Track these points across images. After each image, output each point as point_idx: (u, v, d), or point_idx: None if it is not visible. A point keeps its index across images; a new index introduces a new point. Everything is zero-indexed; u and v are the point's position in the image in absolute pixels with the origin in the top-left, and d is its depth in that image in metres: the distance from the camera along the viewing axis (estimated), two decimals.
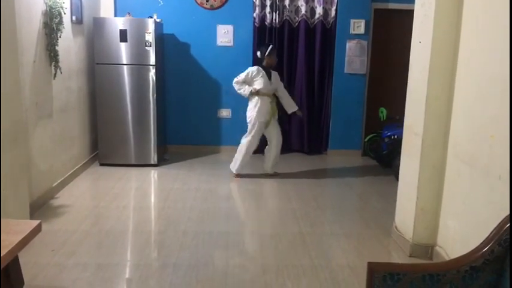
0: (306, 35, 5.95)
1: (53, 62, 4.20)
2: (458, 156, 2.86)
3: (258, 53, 4.94)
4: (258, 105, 4.82)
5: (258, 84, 4.82)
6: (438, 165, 3.07)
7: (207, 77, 6.02)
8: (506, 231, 1.72)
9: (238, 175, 5.03)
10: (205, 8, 5.96)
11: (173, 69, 6.05)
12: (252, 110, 4.88)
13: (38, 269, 2.88)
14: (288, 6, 5.91)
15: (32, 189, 3.72)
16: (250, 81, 4.85)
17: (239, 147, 4.99)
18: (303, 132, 6.21)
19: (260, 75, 4.83)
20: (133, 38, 5.19)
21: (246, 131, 4.96)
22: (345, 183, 5.11)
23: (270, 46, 4.94)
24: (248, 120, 4.93)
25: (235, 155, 5.03)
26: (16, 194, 3.16)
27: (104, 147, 5.39)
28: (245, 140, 4.94)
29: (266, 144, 5.17)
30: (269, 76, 4.88)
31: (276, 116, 5.03)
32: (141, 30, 5.19)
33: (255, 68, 4.89)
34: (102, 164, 5.39)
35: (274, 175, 5.13)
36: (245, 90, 4.85)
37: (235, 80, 4.89)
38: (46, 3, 4.04)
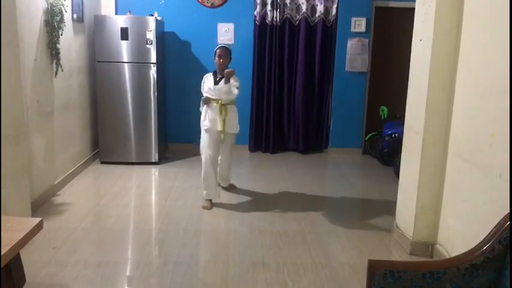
0: (306, 33, 5.95)
1: (54, 60, 4.21)
2: (459, 154, 2.86)
3: None
4: (203, 110, 4.15)
5: (206, 90, 4.13)
6: (439, 164, 3.07)
7: None
8: (506, 229, 1.73)
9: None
10: (206, 6, 5.96)
11: (174, 67, 6.05)
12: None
13: (40, 267, 2.89)
14: (288, 4, 5.90)
15: (33, 187, 3.72)
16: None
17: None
18: (305, 131, 6.20)
19: (207, 80, 4.17)
20: (134, 36, 5.19)
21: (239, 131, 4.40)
22: (346, 181, 5.11)
23: (216, 46, 4.20)
24: None
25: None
26: (17, 192, 3.17)
27: (104, 145, 5.40)
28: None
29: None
30: (218, 79, 4.09)
31: (234, 131, 4.26)
32: (142, 28, 5.18)
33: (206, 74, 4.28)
34: (103, 162, 5.39)
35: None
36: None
37: None
38: (47, 1, 4.04)
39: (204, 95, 4.14)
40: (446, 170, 3.03)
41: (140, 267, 2.98)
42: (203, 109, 4.16)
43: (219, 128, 4.06)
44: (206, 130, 4.10)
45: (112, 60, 5.23)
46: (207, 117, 4.10)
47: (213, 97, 4.07)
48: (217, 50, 4.10)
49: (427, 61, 3.01)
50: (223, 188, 4.59)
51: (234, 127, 4.24)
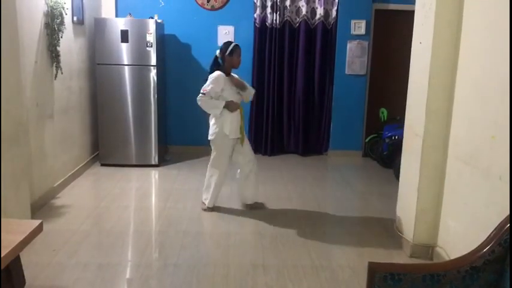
0: (306, 36, 5.96)
1: (54, 63, 4.22)
2: (459, 156, 2.86)
3: (217, 52, 3.89)
4: (229, 118, 3.82)
5: (229, 94, 3.83)
6: (439, 166, 3.07)
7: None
8: (506, 232, 1.73)
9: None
10: (206, 9, 5.97)
11: (174, 70, 6.06)
12: (216, 125, 3.86)
13: (40, 269, 2.89)
14: (288, 7, 5.91)
15: (33, 190, 3.72)
16: (219, 94, 3.81)
17: (208, 176, 4.04)
18: (305, 133, 6.21)
19: (224, 83, 3.81)
20: (134, 39, 5.20)
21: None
22: (346, 183, 5.11)
23: (233, 43, 3.92)
24: (211, 138, 3.92)
25: (206, 184, 4.07)
26: (17, 194, 3.17)
27: (104, 148, 5.40)
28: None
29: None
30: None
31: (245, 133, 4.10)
32: (142, 31, 5.19)
33: (217, 74, 3.80)
34: (103, 165, 5.40)
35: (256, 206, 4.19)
36: (217, 108, 3.79)
37: (200, 95, 3.80)
38: (47, 4, 4.05)
39: (228, 99, 3.79)
40: (446, 172, 3.03)
41: (140, 270, 2.98)
42: (222, 116, 3.80)
43: (238, 134, 3.89)
44: (225, 140, 3.85)
45: (112, 62, 5.24)
46: (229, 125, 3.80)
47: (238, 101, 3.91)
48: (238, 50, 3.87)
49: (426, 63, 3.02)
50: (248, 205, 4.13)
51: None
